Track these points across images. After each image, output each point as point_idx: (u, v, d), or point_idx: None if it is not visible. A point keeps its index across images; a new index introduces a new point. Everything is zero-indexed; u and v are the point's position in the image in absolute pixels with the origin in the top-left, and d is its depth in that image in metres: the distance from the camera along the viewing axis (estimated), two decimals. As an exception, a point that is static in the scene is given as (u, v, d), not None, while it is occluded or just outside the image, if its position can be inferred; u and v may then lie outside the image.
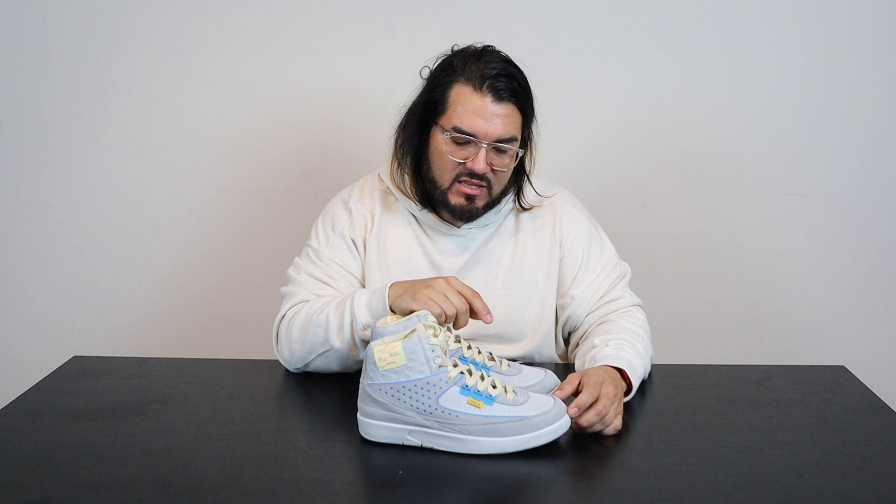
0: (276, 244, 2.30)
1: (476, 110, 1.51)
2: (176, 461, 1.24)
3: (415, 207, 1.63)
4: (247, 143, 2.35)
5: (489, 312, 1.40)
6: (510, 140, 1.53)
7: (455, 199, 1.57)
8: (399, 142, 1.62)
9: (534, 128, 1.61)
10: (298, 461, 1.26)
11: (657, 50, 2.28)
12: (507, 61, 1.55)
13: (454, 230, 1.64)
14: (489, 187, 1.56)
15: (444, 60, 1.58)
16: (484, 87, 1.51)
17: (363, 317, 1.46)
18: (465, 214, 1.59)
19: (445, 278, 1.41)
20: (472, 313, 1.41)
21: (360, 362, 1.55)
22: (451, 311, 1.37)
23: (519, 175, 1.65)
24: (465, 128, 1.52)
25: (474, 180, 1.55)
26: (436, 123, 1.56)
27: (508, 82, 1.51)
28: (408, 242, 1.64)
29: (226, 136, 2.34)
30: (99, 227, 2.39)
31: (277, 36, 2.29)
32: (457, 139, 1.53)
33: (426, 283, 1.41)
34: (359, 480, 1.23)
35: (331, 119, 2.32)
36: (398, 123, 1.63)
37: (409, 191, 1.63)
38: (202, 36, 2.30)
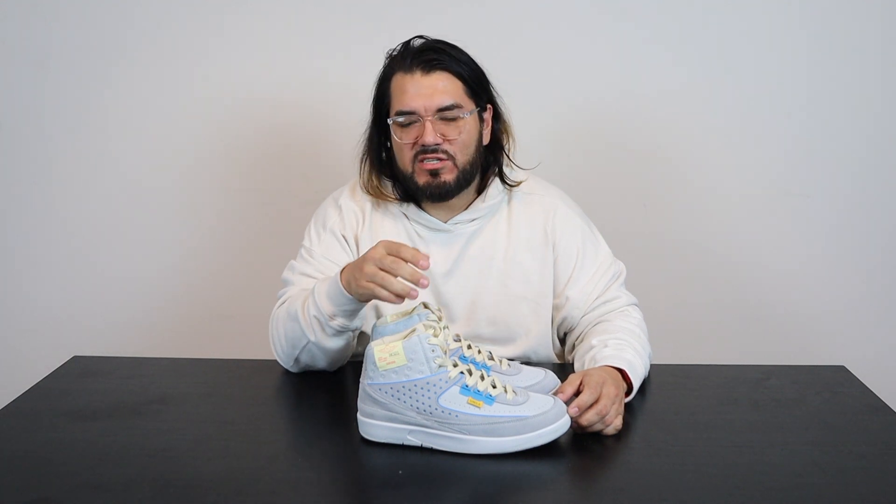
0: (275, 244, 2.29)
1: (410, 88, 1.55)
2: (176, 461, 1.24)
3: (396, 204, 1.64)
4: (246, 143, 2.35)
5: (423, 257, 1.34)
6: (452, 107, 1.55)
7: (422, 180, 1.58)
8: (365, 149, 1.65)
9: (499, 102, 1.63)
10: (298, 461, 1.26)
11: (658, 49, 2.28)
12: (435, 40, 1.59)
13: (442, 226, 1.64)
14: (452, 159, 1.57)
15: (383, 65, 1.62)
16: (411, 65, 1.56)
17: (326, 307, 1.46)
18: (435, 192, 1.58)
19: (373, 249, 1.37)
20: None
21: (347, 358, 1.56)
22: (397, 289, 1.34)
23: (497, 155, 1.66)
24: (405, 107, 1.55)
25: (430, 154, 1.55)
26: (387, 121, 1.59)
27: (434, 54, 1.56)
28: (400, 239, 1.64)
29: (225, 136, 2.34)
30: (99, 226, 2.39)
31: (277, 36, 2.29)
32: (402, 122, 1.56)
33: (359, 265, 1.38)
34: (359, 480, 1.23)
35: (330, 119, 2.32)
36: (363, 134, 1.66)
37: (384, 192, 1.64)
38: (202, 36, 2.30)
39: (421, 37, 1.61)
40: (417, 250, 1.35)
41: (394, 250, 1.35)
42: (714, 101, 2.30)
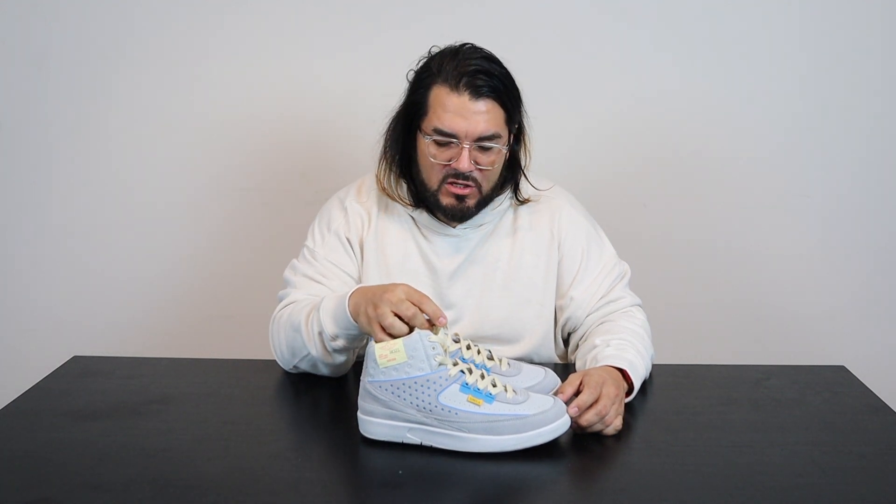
0: (275, 244, 2.29)
1: (454, 109, 1.49)
2: (176, 461, 1.24)
3: (408, 209, 1.63)
4: (246, 144, 2.35)
5: (442, 315, 1.30)
6: (493, 137, 1.51)
7: (446, 200, 1.56)
8: (386, 147, 1.62)
9: (525, 121, 1.60)
10: (298, 461, 1.26)
11: (659, 49, 2.28)
12: (486, 57, 1.52)
13: (449, 230, 1.63)
14: (478, 186, 1.55)
15: (422, 63, 1.57)
16: (460, 85, 1.49)
17: (329, 328, 1.43)
18: (457, 215, 1.58)
19: (393, 289, 1.32)
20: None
21: (348, 368, 1.55)
22: (398, 331, 1.28)
23: (514, 170, 1.64)
24: (445, 128, 1.50)
25: (461, 180, 1.53)
26: (419, 127, 1.55)
27: (486, 78, 1.50)
28: (405, 242, 1.64)
29: (226, 136, 2.34)
30: (99, 227, 2.39)
31: (277, 36, 2.29)
32: (439, 141, 1.52)
33: (373, 300, 1.32)
34: (359, 480, 1.24)
35: (330, 119, 2.32)
36: (385, 128, 1.62)
37: (399, 194, 1.62)
38: (202, 36, 2.30)
39: (468, 45, 1.54)
40: (439, 308, 1.30)
41: (416, 300, 1.30)
42: (714, 102, 2.30)
